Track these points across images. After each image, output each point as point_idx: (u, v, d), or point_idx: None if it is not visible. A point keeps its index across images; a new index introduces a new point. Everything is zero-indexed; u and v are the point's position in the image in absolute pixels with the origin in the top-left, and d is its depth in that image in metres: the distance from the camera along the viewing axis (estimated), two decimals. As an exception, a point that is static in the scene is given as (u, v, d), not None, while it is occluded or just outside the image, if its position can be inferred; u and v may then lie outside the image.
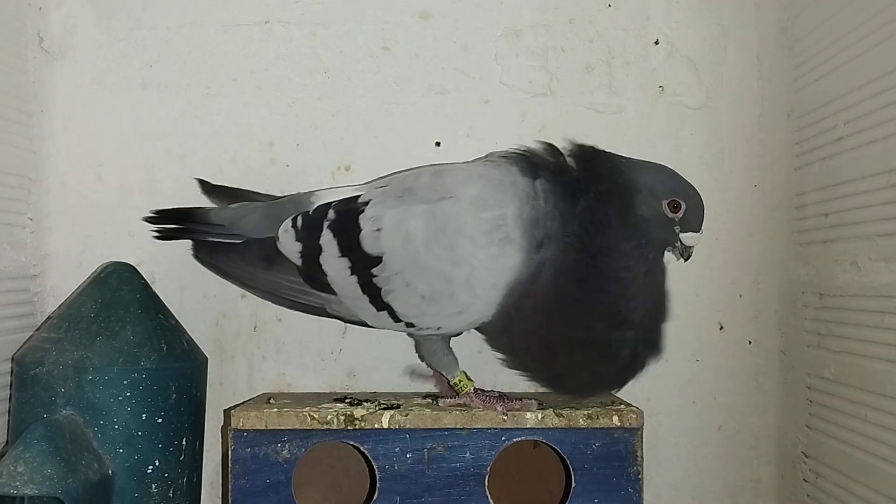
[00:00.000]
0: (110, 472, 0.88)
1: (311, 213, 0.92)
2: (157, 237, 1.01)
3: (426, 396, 1.01)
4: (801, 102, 1.08)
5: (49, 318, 1.00)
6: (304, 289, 0.93)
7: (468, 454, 0.88)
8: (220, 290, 1.09)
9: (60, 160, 1.08)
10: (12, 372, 0.94)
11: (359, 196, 0.91)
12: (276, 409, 0.88)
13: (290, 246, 0.92)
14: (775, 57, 1.12)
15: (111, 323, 0.91)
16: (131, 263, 0.99)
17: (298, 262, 0.92)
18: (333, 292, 0.91)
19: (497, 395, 0.92)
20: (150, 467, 0.90)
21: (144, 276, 0.99)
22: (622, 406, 0.91)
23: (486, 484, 0.88)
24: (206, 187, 1.05)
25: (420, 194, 0.88)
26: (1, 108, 1.00)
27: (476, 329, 0.91)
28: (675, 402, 1.11)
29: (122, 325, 0.92)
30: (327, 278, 0.90)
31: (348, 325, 1.09)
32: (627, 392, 1.05)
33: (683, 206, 0.86)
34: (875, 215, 0.89)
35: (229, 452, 0.87)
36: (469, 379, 0.93)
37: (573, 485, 0.88)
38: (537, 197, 0.85)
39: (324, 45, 1.11)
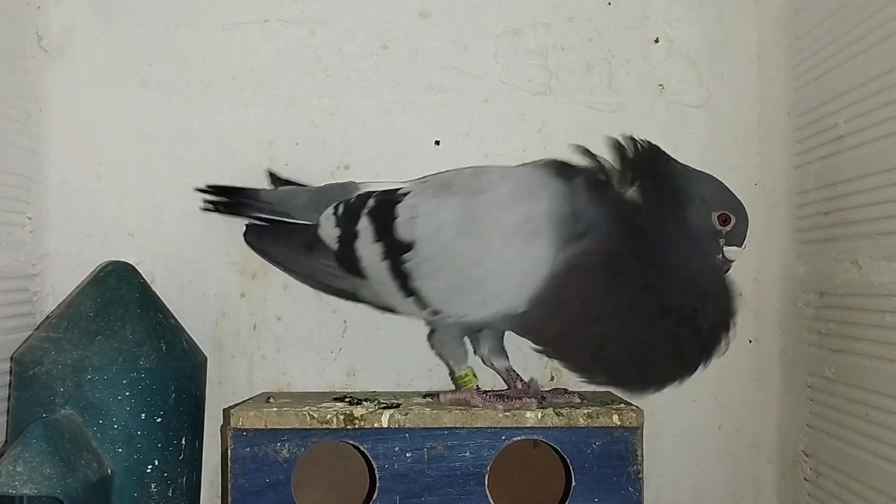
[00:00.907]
0: (110, 471, 0.88)
1: (352, 200, 0.96)
2: (207, 209, 1.06)
3: (426, 395, 1.01)
4: (801, 101, 1.07)
5: (48, 317, 1.00)
6: (339, 273, 0.95)
7: (468, 453, 0.88)
8: (220, 290, 1.09)
9: (59, 159, 1.08)
10: (11, 371, 0.94)
11: (400, 188, 0.94)
12: (275, 409, 0.88)
13: (329, 231, 0.95)
14: (775, 55, 1.12)
15: (110, 322, 0.91)
16: (130, 263, 0.99)
17: (335, 246, 0.95)
18: (363, 276, 0.93)
19: (498, 394, 0.92)
20: (150, 467, 0.90)
21: (144, 276, 0.99)
22: (622, 405, 0.91)
23: (486, 483, 0.88)
24: (274, 179, 1.08)
25: (458, 189, 0.91)
26: (0, 107, 1.00)
27: (513, 327, 0.92)
28: (675, 401, 1.10)
29: (122, 324, 0.91)
30: (360, 263, 0.92)
31: (348, 324, 1.10)
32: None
33: (733, 221, 0.87)
34: (876, 214, 0.89)
35: (229, 452, 0.87)
36: (475, 376, 0.93)
37: (573, 484, 0.88)
38: (573, 196, 0.85)
39: (323, 44, 1.10)
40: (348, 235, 0.94)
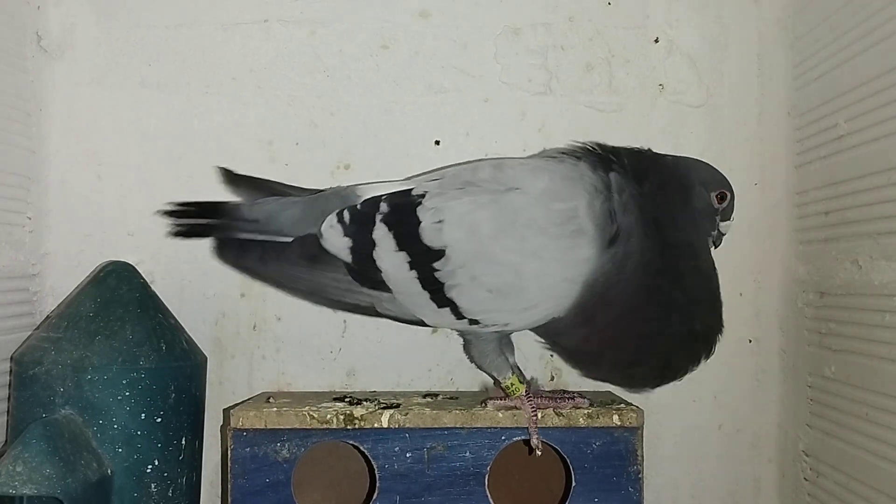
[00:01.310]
0: (109, 471, 0.88)
1: (358, 207, 0.88)
2: (179, 234, 0.94)
3: (426, 395, 1.01)
4: (801, 100, 1.07)
5: (48, 317, 1.00)
6: (353, 287, 0.88)
7: (468, 453, 0.88)
8: (220, 290, 1.09)
9: (59, 159, 1.08)
10: (11, 371, 0.94)
11: (411, 189, 0.88)
12: (275, 409, 0.88)
13: (337, 242, 0.87)
14: (776, 55, 1.12)
15: (110, 322, 0.91)
16: (130, 263, 0.99)
17: (348, 258, 0.87)
18: (387, 289, 0.86)
19: (547, 397, 0.90)
20: (150, 467, 0.90)
21: (143, 276, 0.99)
22: (622, 405, 0.91)
23: (486, 483, 0.88)
24: (230, 177, 0.99)
25: (483, 186, 0.85)
26: (0, 107, 1.00)
27: (536, 328, 0.89)
28: (676, 401, 1.11)
29: (122, 324, 0.91)
30: (382, 275, 0.85)
31: (348, 324, 1.10)
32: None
33: (728, 197, 0.89)
34: (876, 213, 0.89)
35: (229, 452, 0.87)
36: (521, 382, 0.90)
37: (573, 484, 0.88)
38: (611, 190, 0.84)
39: (323, 44, 1.10)
40: (363, 246, 0.86)
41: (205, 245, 1.08)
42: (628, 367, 0.88)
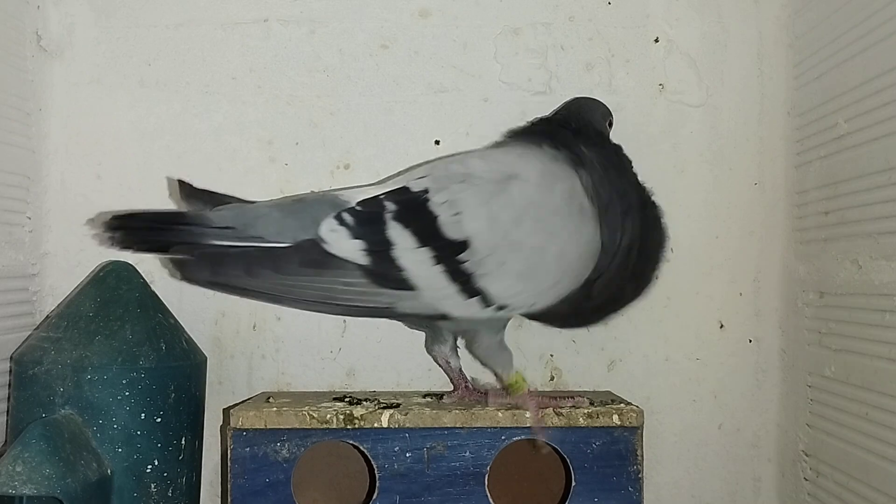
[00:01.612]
0: (109, 471, 0.88)
1: (359, 208, 0.86)
2: (128, 247, 0.86)
3: (426, 395, 1.01)
4: (801, 100, 1.07)
5: (48, 317, 1.00)
6: (370, 289, 0.85)
7: (468, 453, 0.88)
8: (220, 289, 1.09)
9: (59, 159, 1.08)
10: (11, 371, 0.94)
11: (405, 187, 0.87)
12: (275, 409, 0.88)
13: (345, 245, 0.84)
14: (776, 54, 1.12)
15: (110, 322, 0.91)
16: (130, 262, 0.99)
17: (364, 260, 0.84)
18: (410, 288, 0.84)
19: (549, 396, 0.91)
20: (150, 467, 0.90)
21: (143, 275, 0.99)
22: (622, 405, 0.91)
23: (486, 483, 0.88)
24: (186, 191, 0.91)
25: (484, 176, 0.86)
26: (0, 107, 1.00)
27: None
28: (676, 401, 1.11)
29: (121, 324, 0.91)
30: (404, 273, 0.84)
31: (347, 324, 1.09)
32: (628, 391, 1.06)
33: (611, 118, 1.00)
34: (876, 213, 0.89)
35: (228, 452, 0.87)
36: (524, 380, 0.91)
37: (573, 484, 0.88)
38: (584, 162, 0.89)
39: (323, 44, 1.10)
40: (379, 246, 0.84)
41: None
42: (605, 315, 0.95)
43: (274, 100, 1.10)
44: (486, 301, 0.86)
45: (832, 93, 0.99)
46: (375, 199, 0.87)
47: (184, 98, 1.09)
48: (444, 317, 0.87)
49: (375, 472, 0.88)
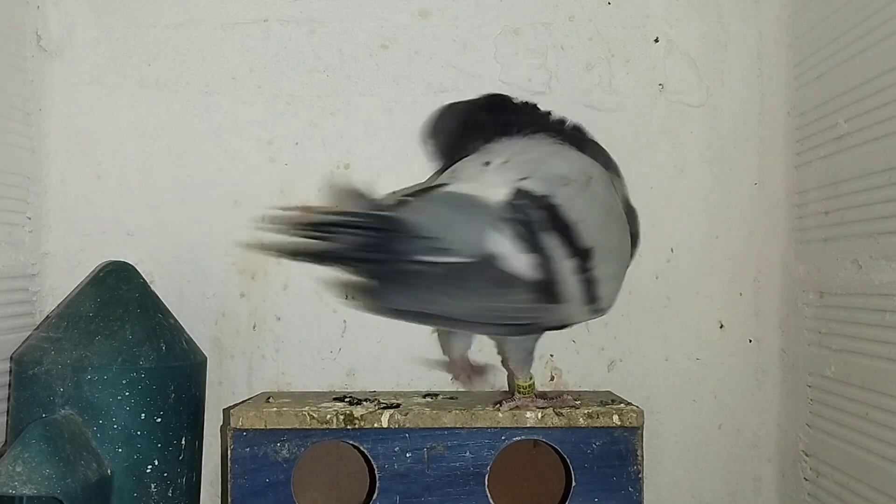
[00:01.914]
0: (109, 471, 0.88)
1: (514, 216, 0.79)
2: (306, 257, 0.75)
3: (426, 395, 1.01)
4: (801, 100, 1.07)
5: (48, 317, 1.00)
6: (531, 305, 0.79)
7: (468, 453, 0.88)
8: (220, 290, 1.09)
9: (59, 159, 1.08)
10: (11, 371, 0.94)
11: (524, 190, 0.81)
12: (275, 409, 0.88)
13: (519, 261, 0.77)
14: (776, 54, 1.11)
15: (110, 322, 0.91)
16: (130, 262, 0.99)
17: (535, 274, 0.78)
18: (560, 300, 0.81)
19: (548, 398, 0.92)
20: (150, 467, 0.90)
21: (143, 275, 0.99)
22: (622, 405, 0.91)
23: (486, 483, 0.88)
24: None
25: (576, 179, 0.85)
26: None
27: None
28: (676, 401, 1.11)
29: (121, 324, 0.91)
30: (560, 286, 0.80)
31: (347, 324, 1.09)
32: (628, 391, 1.06)
33: None
34: (876, 213, 0.89)
35: (228, 452, 0.87)
36: (534, 384, 0.93)
37: (573, 484, 0.88)
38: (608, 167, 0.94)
39: (323, 44, 1.10)
40: (544, 259, 0.78)
41: (205, 245, 1.08)
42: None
43: (274, 100, 1.10)
44: (597, 308, 0.85)
45: (832, 93, 0.99)
46: (520, 206, 0.80)
47: (184, 98, 1.09)
48: (563, 326, 0.86)
49: (375, 472, 0.88)
